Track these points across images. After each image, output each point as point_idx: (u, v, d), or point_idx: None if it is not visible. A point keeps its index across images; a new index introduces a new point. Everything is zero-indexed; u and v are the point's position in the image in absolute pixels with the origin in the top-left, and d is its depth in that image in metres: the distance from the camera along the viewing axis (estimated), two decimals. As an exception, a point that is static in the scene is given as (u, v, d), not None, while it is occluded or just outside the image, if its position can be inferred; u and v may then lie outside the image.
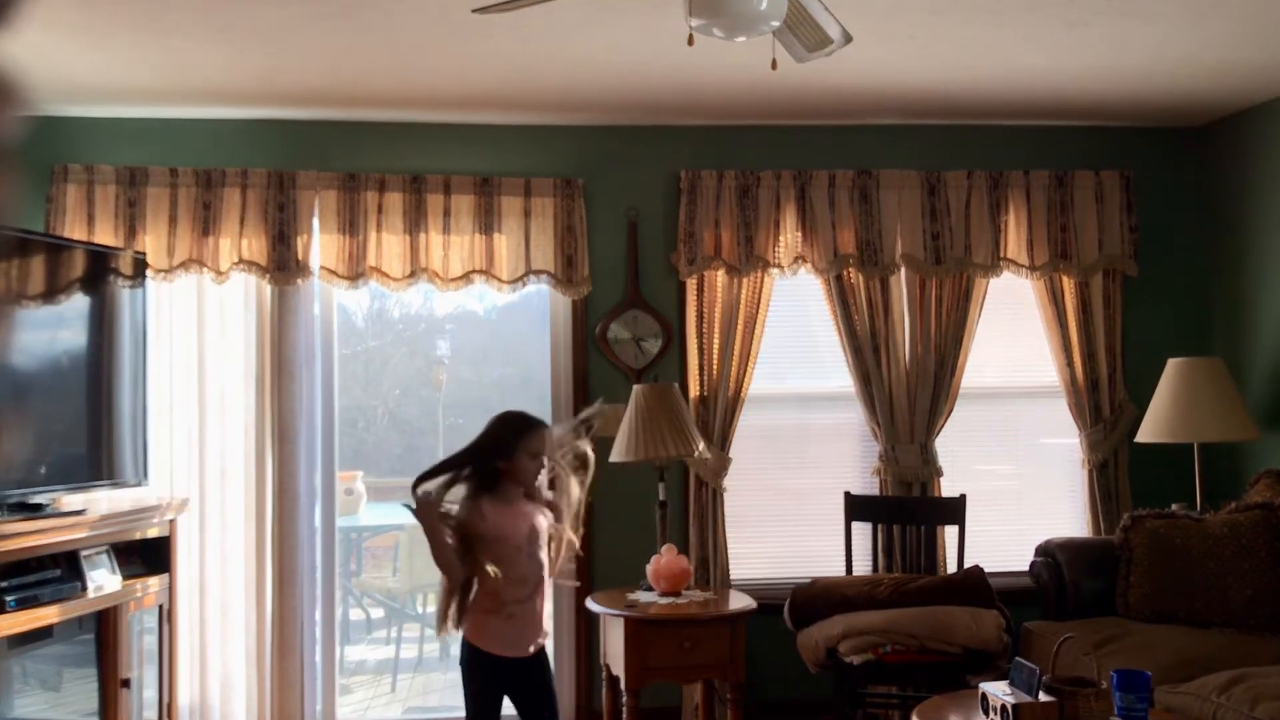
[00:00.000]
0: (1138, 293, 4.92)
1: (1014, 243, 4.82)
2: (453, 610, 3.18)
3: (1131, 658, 3.51)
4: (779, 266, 4.71)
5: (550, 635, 3.43)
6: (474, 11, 2.92)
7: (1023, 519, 4.88)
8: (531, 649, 3.21)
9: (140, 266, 4.14)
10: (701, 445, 4.30)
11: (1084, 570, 4.26)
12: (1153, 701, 2.87)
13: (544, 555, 3.25)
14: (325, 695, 4.59)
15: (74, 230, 4.35)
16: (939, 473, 4.73)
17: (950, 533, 4.55)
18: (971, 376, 4.80)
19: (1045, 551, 4.39)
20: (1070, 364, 4.82)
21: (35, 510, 3.49)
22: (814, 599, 4.15)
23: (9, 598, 3.24)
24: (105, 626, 3.69)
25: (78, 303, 3.90)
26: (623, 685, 3.87)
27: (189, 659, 4.36)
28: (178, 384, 4.45)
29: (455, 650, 5.41)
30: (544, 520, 3.27)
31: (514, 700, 3.26)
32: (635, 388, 4.29)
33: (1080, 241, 4.82)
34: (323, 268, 4.52)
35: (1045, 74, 4.19)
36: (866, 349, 4.71)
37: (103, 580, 3.63)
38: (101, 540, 3.69)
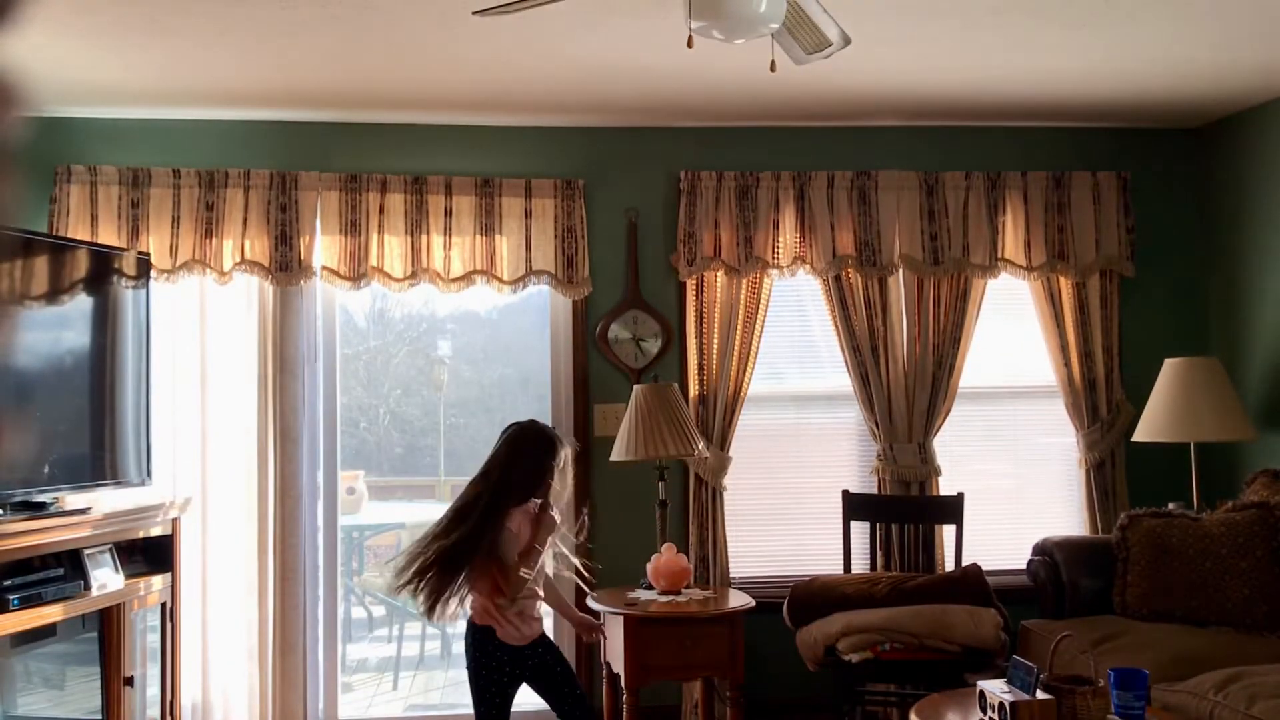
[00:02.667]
0: (1135, 293, 4.94)
1: (1011, 243, 4.84)
2: (452, 601, 3.36)
3: (1129, 656, 3.53)
4: (778, 267, 4.73)
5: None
6: (475, 13, 2.94)
7: (1020, 518, 4.90)
8: (529, 640, 3.46)
9: (143, 267, 4.16)
10: (701, 445, 4.32)
11: (1081, 569, 4.28)
12: (1150, 700, 2.89)
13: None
14: (327, 693, 4.61)
15: (77, 231, 4.37)
16: (937, 472, 4.74)
17: (948, 531, 4.57)
18: (969, 376, 4.82)
19: (1043, 550, 4.41)
20: (1068, 364, 4.84)
21: (39, 509, 3.51)
22: (813, 597, 4.17)
23: (12, 596, 3.26)
24: (108, 625, 3.71)
25: (81, 303, 3.91)
26: (622, 684, 3.89)
27: (191, 657, 4.38)
28: (181, 384, 4.47)
29: (457, 648, 5.45)
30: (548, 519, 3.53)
31: (534, 687, 3.49)
32: (635, 388, 4.31)
33: (1078, 242, 4.83)
34: (324, 268, 4.54)
35: (1043, 75, 4.21)
36: (865, 349, 4.73)
37: (106, 579, 3.65)
38: (104, 539, 3.71)
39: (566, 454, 3.53)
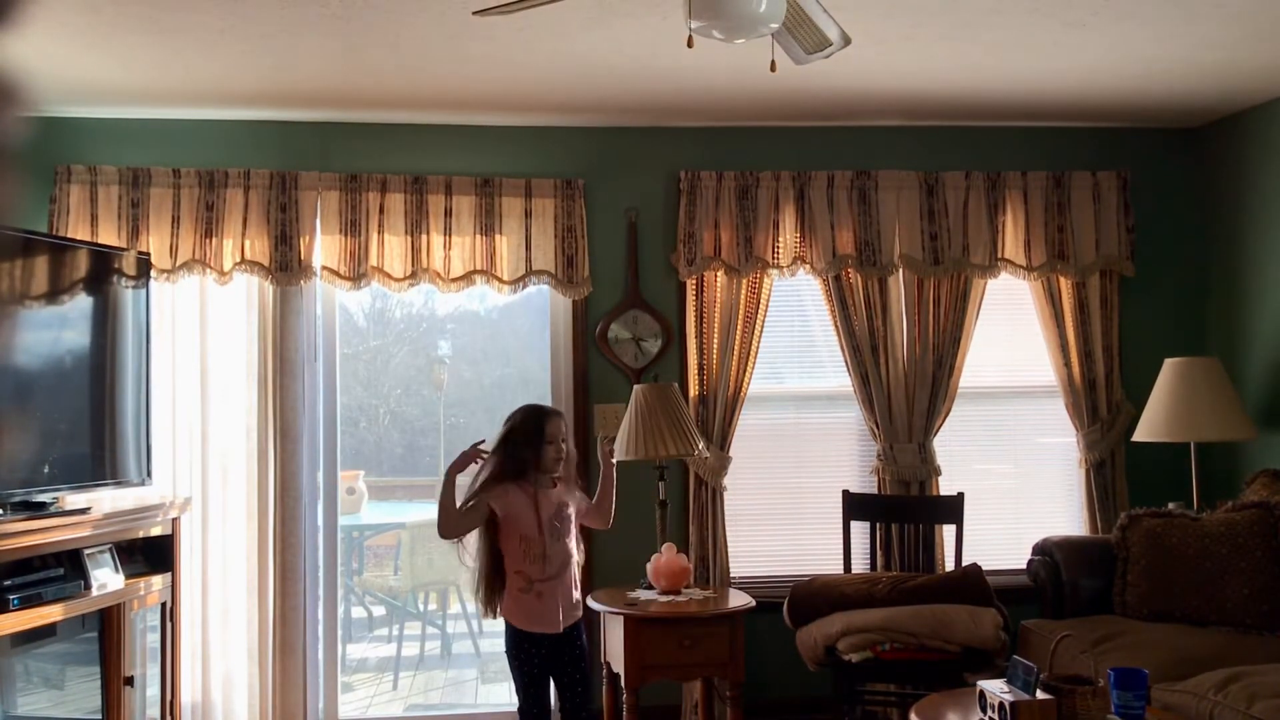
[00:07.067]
0: (1135, 293, 4.94)
1: (1012, 243, 4.84)
2: (484, 594, 3.50)
3: (1128, 656, 3.53)
4: (778, 267, 4.73)
5: (580, 613, 3.65)
6: (475, 13, 2.94)
7: (1020, 518, 4.90)
8: (563, 626, 3.48)
9: (143, 267, 4.16)
10: (701, 444, 4.32)
11: (1081, 569, 4.28)
12: (1150, 699, 2.89)
13: (571, 538, 3.56)
14: (327, 693, 4.61)
15: (77, 231, 4.37)
16: (937, 472, 4.74)
17: (948, 531, 4.57)
18: (969, 376, 4.82)
19: (1043, 550, 4.41)
20: (1068, 364, 4.84)
21: (39, 509, 3.51)
22: (813, 597, 4.17)
23: (13, 596, 3.26)
24: (108, 625, 3.71)
25: (81, 303, 3.91)
26: (623, 683, 3.89)
27: (191, 657, 4.38)
28: (180, 384, 4.47)
29: (457, 648, 5.47)
30: (574, 503, 3.59)
31: (553, 678, 3.54)
32: (635, 387, 4.31)
33: (1077, 242, 4.84)
34: (324, 268, 4.54)
35: (1043, 75, 4.21)
36: (865, 349, 4.73)
37: (106, 579, 3.65)
38: (104, 539, 3.71)
39: (558, 424, 3.56)
